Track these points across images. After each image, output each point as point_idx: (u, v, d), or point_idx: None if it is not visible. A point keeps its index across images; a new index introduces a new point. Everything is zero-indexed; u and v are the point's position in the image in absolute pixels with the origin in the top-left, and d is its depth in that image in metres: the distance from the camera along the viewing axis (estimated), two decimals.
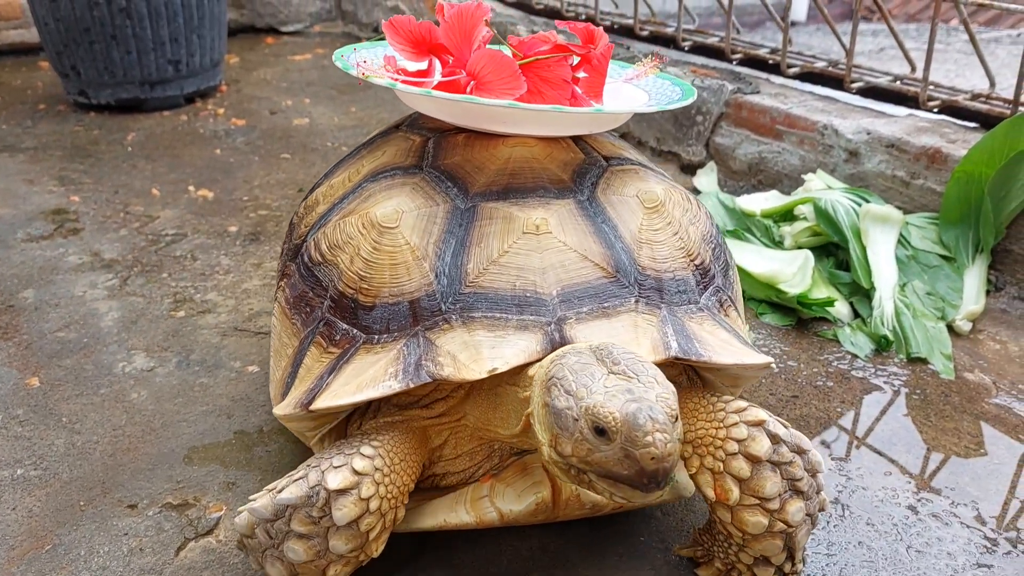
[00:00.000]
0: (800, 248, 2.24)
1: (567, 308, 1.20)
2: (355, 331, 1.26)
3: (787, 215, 2.36)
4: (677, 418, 1.00)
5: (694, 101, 1.41)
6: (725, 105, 2.87)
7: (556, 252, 1.24)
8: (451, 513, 1.25)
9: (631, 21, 3.48)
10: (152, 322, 2.06)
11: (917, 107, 2.51)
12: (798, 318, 2.06)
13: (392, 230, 1.26)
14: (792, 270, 2.10)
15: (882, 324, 1.98)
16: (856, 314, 2.07)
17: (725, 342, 1.25)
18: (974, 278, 2.11)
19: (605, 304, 1.22)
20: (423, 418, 1.28)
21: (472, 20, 1.33)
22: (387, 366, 1.19)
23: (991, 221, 2.09)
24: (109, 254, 2.40)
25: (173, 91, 3.68)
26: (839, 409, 1.76)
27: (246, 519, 1.17)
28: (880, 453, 1.63)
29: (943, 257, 2.15)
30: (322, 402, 1.20)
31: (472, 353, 1.15)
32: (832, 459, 1.61)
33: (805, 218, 2.30)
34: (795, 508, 1.15)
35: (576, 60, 1.39)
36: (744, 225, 2.37)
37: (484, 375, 1.13)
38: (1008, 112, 2.29)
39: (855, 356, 1.93)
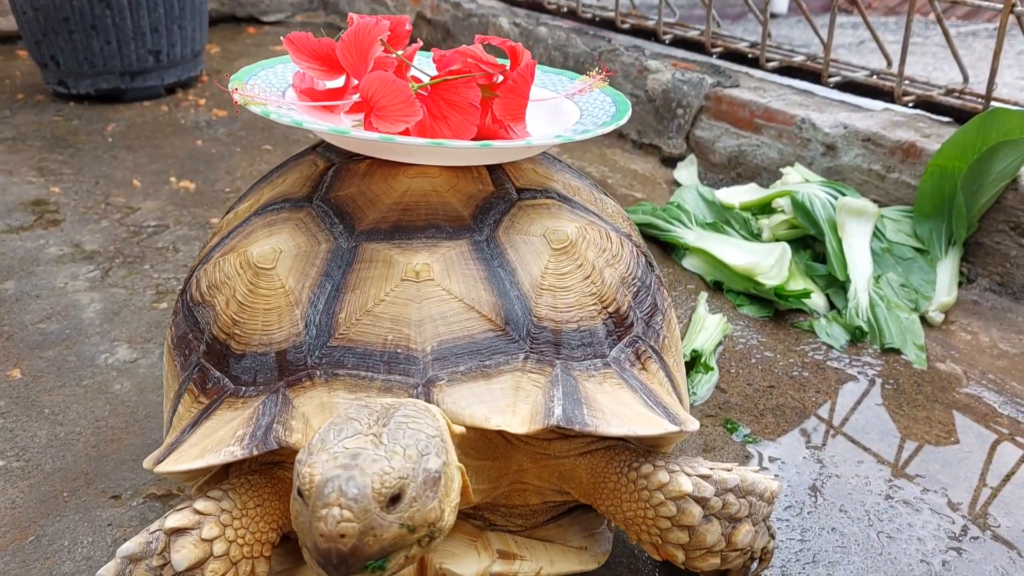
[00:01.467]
0: (778, 240, 2.27)
1: (441, 367, 1.08)
2: (225, 380, 1.16)
3: (765, 208, 2.40)
4: (398, 499, 0.87)
5: (620, 125, 1.29)
6: (705, 99, 2.90)
7: (437, 302, 1.11)
8: None
9: (612, 14, 3.49)
10: (135, 313, 2.06)
11: (893, 101, 2.54)
12: (775, 309, 2.09)
13: (268, 272, 1.16)
14: (769, 262, 2.13)
15: (857, 315, 2.01)
16: (832, 305, 2.10)
17: (623, 405, 1.13)
18: (947, 270, 2.15)
19: (487, 362, 1.10)
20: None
21: (369, 39, 1.21)
22: (238, 427, 1.09)
23: (963, 214, 2.12)
24: (90, 245, 2.40)
25: (154, 81, 3.66)
26: (814, 399, 1.79)
27: None
28: (854, 441, 1.67)
29: (917, 250, 2.19)
30: (166, 465, 1.12)
31: (326, 417, 1.05)
32: (807, 447, 1.64)
33: (783, 211, 2.33)
34: (742, 534, 1.16)
35: (502, 77, 1.28)
36: (723, 218, 2.40)
37: None
38: (980, 107, 2.32)
39: (830, 347, 1.97)
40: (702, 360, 1.82)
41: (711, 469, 1.15)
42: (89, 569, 1.34)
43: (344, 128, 1.13)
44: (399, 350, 1.09)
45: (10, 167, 2.95)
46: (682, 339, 1.93)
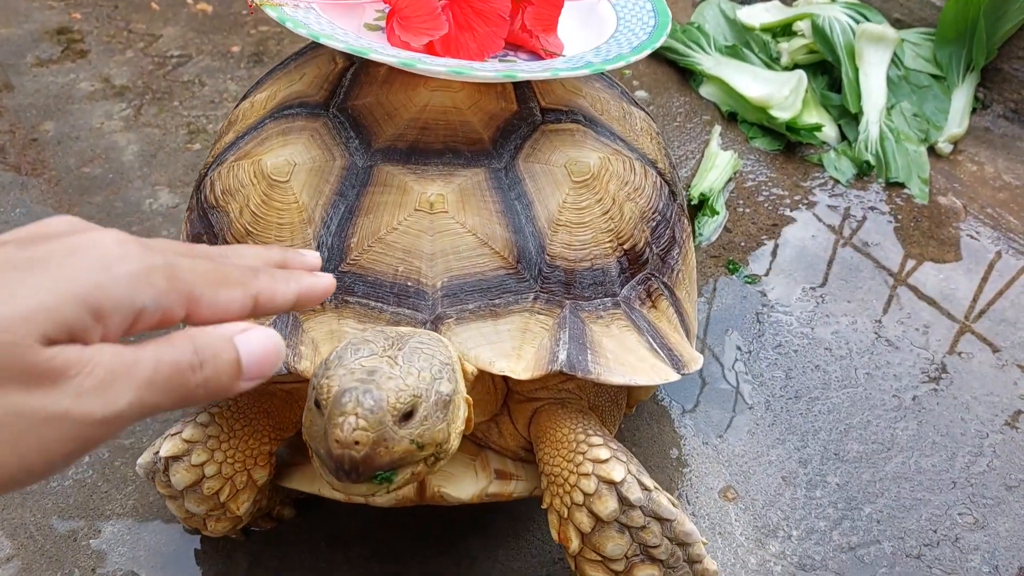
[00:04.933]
0: (796, 66, 2.27)
1: (450, 304, 1.07)
2: None
3: (786, 30, 2.37)
4: (410, 415, 0.90)
5: (658, 45, 1.19)
6: None
7: (451, 236, 1.09)
8: (325, 484, 1.16)
9: None
10: (170, 155, 2.16)
11: None
12: (787, 142, 2.14)
13: (282, 185, 1.14)
14: (784, 93, 2.15)
15: (866, 149, 2.07)
16: (843, 136, 2.15)
17: (628, 351, 1.12)
18: (961, 98, 2.16)
19: (496, 301, 1.08)
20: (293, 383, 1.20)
21: None
22: None
23: (983, 41, 2.11)
24: (119, 80, 2.46)
25: None
26: (815, 237, 1.90)
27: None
28: (847, 280, 1.79)
29: (934, 76, 2.19)
30: None
31: (334, 345, 1.05)
32: (803, 288, 1.77)
33: (803, 35, 2.31)
34: (644, 573, 1.06)
35: None
36: (743, 40, 2.39)
37: None
38: None
39: (837, 181, 2.04)
40: (710, 203, 1.91)
41: (655, 488, 1.08)
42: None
43: (362, 48, 1.11)
44: (409, 283, 1.08)
45: None
46: (693, 177, 2.02)
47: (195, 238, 1.28)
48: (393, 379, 0.89)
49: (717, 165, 2.02)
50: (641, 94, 2.33)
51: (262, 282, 0.66)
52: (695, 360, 1.19)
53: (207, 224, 1.24)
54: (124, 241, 0.57)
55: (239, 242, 1.18)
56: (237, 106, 1.45)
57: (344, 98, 1.23)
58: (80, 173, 2.11)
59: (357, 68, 1.27)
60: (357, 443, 0.85)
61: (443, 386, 0.94)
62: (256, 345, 0.63)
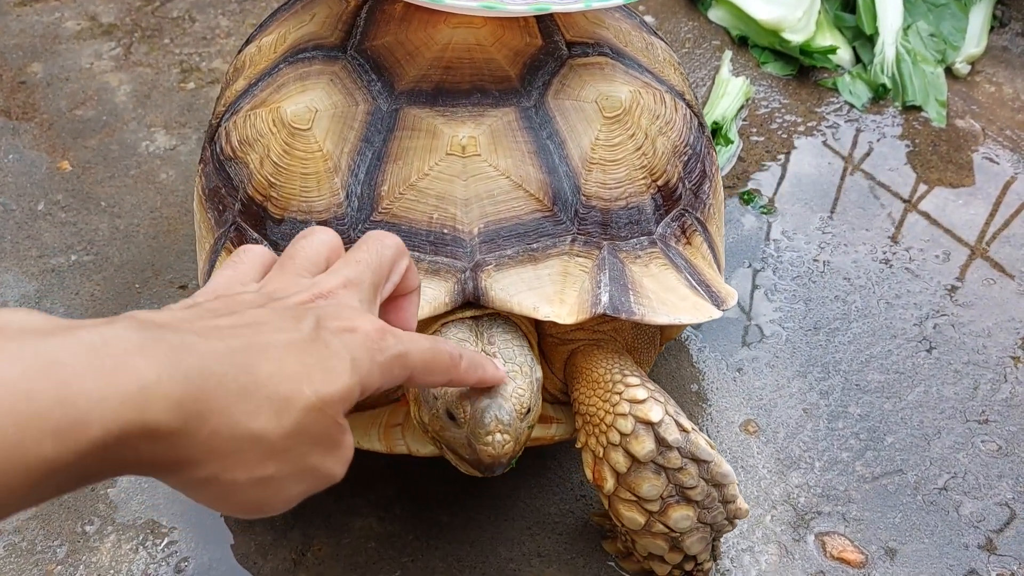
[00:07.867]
0: None
1: (488, 251, 1.05)
2: (264, 244, 1.12)
3: None
4: (530, 410, 0.99)
5: None
6: None
7: (484, 180, 1.06)
8: (364, 436, 1.18)
9: None
10: (164, 95, 2.10)
11: None
12: (800, 66, 2.08)
13: (304, 133, 1.10)
14: (797, 15, 2.08)
15: (882, 72, 2.01)
16: (858, 59, 2.08)
17: (668, 290, 1.10)
18: (979, 16, 2.09)
19: (534, 245, 1.06)
20: None
21: None
22: None
23: None
24: (106, 17, 2.37)
25: None
26: (829, 164, 1.85)
27: None
28: (864, 208, 1.76)
29: None
30: None
31: None
32: (819, 217, 1.74)
33: None
34: (679, 515, 1.05)
35: None
36: None
37: None
38: None
39: (852, 106, 1.98)
40: (723, 132, 1.86)
41: (693, 429, 1.06)
42: None
43: None
44: (445, 230, 1.06)
45: None
46: (704, 106, 1.96)
47: (212, 192, 1.23)
48: (507, 385, 0.97)
49: (729, 92, 1.96)
50: (648, 19, 2.25)
51: (459, 371, 0.81)
52: (732, 295, 1.17)
53: (224, 177, 1.20)
54: (383, 332, 0.70)
55: (261, 195, 1.14)
56: (241, 51, 1.39)
57: (361, 39, 1.18)
58: (72, 116, 2.05)
59: (371, 6, 1.22)
60: (507, 454, 0.96)
61: (537, 372, 1.02)
62: None
